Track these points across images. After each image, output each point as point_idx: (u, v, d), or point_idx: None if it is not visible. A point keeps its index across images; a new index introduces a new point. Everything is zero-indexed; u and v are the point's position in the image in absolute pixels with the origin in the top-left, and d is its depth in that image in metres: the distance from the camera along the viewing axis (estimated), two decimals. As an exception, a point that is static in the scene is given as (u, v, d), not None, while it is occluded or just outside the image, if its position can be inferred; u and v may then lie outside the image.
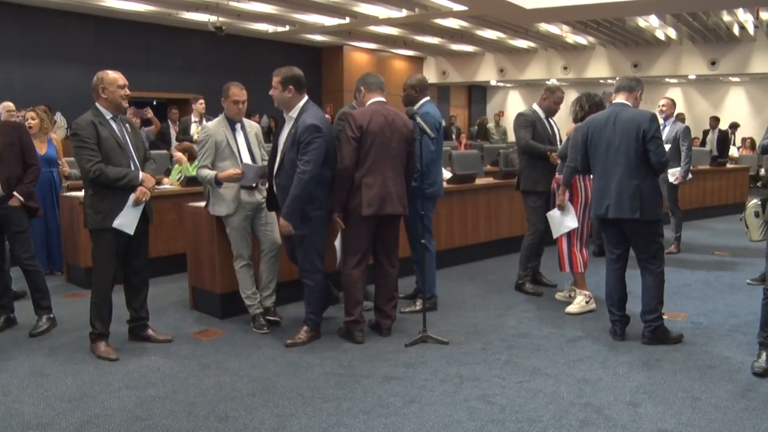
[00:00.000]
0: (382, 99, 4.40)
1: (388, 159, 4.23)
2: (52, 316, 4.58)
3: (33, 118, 5.78)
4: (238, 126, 4.55)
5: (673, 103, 7.05)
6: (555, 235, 5.12)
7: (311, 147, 3.95)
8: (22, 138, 4.51)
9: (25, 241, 4.51)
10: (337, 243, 4.46)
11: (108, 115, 4.03)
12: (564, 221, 5.02)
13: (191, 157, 6.81)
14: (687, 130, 7.04)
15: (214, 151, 4.45)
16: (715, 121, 14.01)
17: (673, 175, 6.96)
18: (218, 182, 4.39)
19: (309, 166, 3.94)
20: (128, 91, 4.10)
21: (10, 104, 6.84)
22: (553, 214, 5.08)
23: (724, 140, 13.43)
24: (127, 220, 4.00)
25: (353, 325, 4.34)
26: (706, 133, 14.30)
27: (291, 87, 4.06)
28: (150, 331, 4.35)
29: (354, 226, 4.27)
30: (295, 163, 3.99)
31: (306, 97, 4.14)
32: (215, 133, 4.45)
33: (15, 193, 4.42)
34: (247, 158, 4.51)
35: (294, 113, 4.10)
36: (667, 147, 6.35)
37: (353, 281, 4.31)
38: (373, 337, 4.41)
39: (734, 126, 15.08)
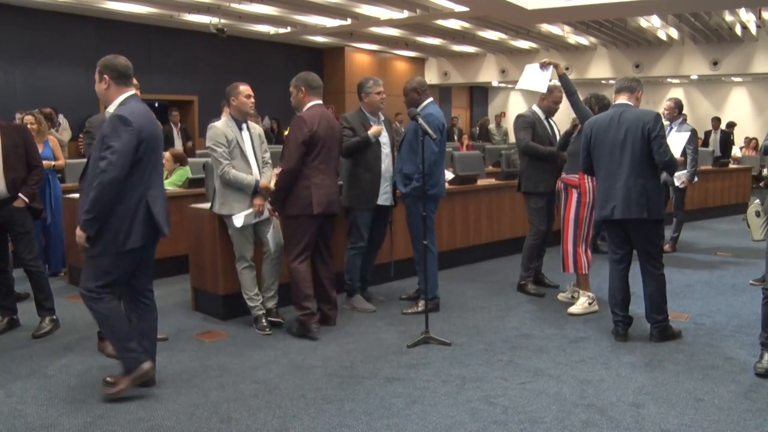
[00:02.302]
0: (320, 102, 4.51)
1: (330, 161, 4.47)
2: (54, 317, 4.59)
3: (32, 123, 5.80)
4: (244, 126, 4.57)
5: (676, 105, 7.01)
6: (518, 86, 5.25)
7: (114, 140, 3.23)
8: (26, 140, 4.54)
9: (29, 242, 4.53)
10: (269, 235, 4.55)
11: None
12: (534, 76, 5.09)
13: (181, 164, 6.81)
14: (693, 133, 7.03)
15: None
16: (717, 121, 14.01)
17: (679, 178, 6.96)
18: (255, 191, 4.46)
19: (111, 165, 3.20)
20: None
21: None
22: (532, 66, 5.16)
23: (727, 140, 13.43)
24: None
25: (308, 318, 4.41)
26: (708, 133, 14.30)
27: (106, 77, 3.44)
28: None
29: (302, 224, 4.39)
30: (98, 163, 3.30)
31: (131, 92, 3.48)
32: (226, 132, 4.47)
33: (20, 194, 4.44)
34: (252, 158, 4.53)
35: (112, 108, 3.43)
36: (678, 151, 6.36)
37: (301, 275, 4.43)
38: (374, 338, 4.41)
39: (731, 125, 15.07)
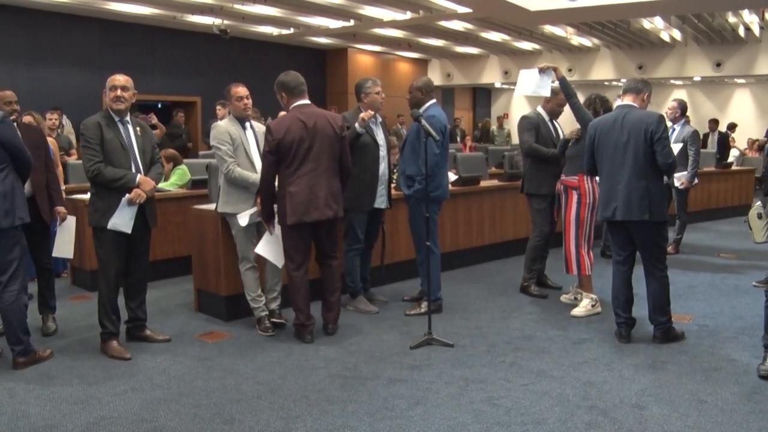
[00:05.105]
0: (305, 102, 4.34)
1: (313, 164, 4.22)
2: (54, 317, 4.60)
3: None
4: (247, 125, 4.58)
5: (679, 106, 7.01)
6: (517, 92, 5.15)
7: None
8: (44, 142, 4.50)
9: (46, 239, 4.53)
10: (259, 249, 4.45)
11: (116, 118, 4.09)
12: (535, 81, 5.01)
13: (175, 165, 6.78)
14: (695, 134, 7.00)
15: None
16: (714, 123, 13.97)
17: (679, 179, 6.91)
18: (259, 190, 4.42)
19: None
20: (135, 93, 4.19)
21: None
22: (530, 72, 5.06)
23: (724, 143, 13.39)
24: (121, 220, 4.04)
25: (301, 328, 4.39)
26: (705, 136, 14.22)
27: None
28: (148, 332, 4.38)
29: (287, 233, 4.31)
30: None
31: None
32: (230, 130, 4.47)
33: (58, 208, 4.45)
34: (255, 157, 4.53)
35: None
36: (677, 149, 6.33)
37: (296, 284, 4.35)
38: (377, 339, 4.41)
39: (731, 126, 15.01)
